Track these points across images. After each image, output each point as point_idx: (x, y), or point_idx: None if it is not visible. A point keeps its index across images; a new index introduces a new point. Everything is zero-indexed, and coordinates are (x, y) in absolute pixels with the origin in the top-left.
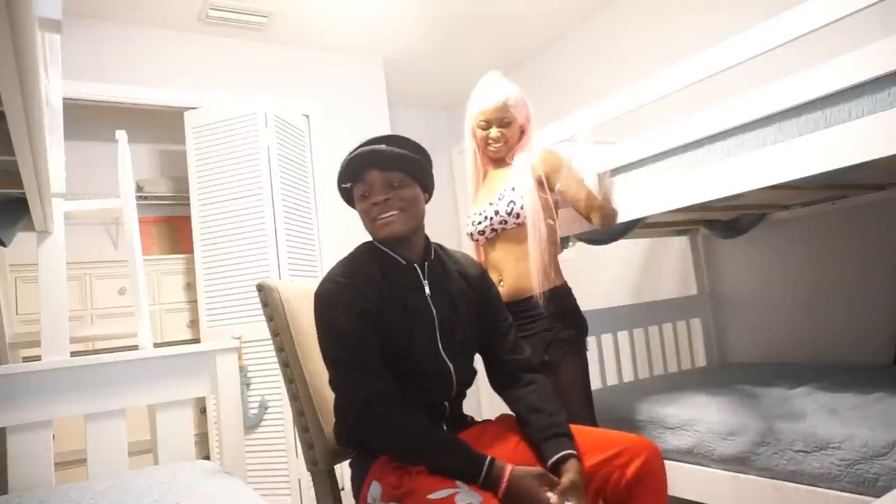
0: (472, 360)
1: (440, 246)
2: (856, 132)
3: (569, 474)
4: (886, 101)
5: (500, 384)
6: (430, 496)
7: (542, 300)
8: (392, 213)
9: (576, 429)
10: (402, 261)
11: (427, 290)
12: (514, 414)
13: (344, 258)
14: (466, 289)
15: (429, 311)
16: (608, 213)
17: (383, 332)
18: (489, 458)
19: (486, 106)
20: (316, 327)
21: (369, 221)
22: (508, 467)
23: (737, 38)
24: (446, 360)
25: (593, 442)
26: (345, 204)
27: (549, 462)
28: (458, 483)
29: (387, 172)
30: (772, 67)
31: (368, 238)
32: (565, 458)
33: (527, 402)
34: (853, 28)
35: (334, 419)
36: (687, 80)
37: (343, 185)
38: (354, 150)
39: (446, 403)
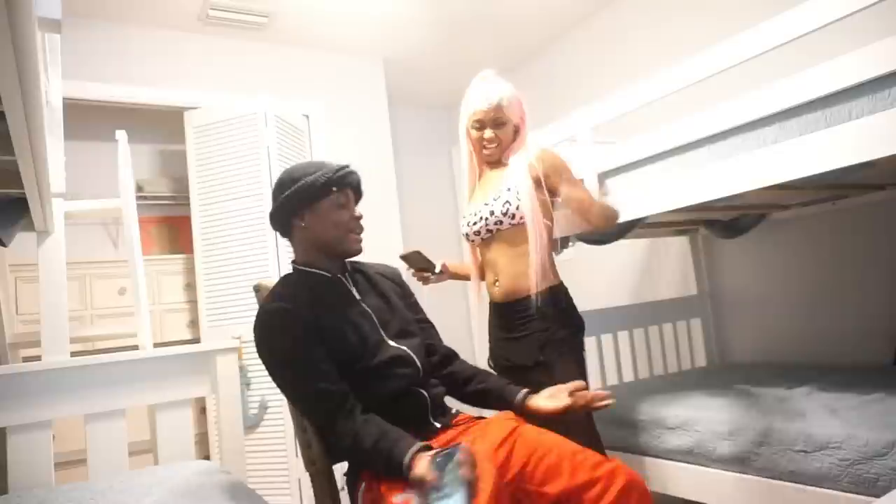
0: (423, 343)
1: (354, 261)
2: (856, 132)
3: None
4: (887, 101)
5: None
6: (395, 499)
7: (538, 300)
8: (362, 233)
9: (551, 439)
10: (327, 274)
11: (357, 296)
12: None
13: (270, 290)
14: (392, 285)
15: (365, 311)
16: (609, 216)
17: (331, 340)
18: (412, 451)
19: (480, 107)
20: (262, 360)
21: (345, 232)
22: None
23: (737, 38)
24: (399, 346)
25: (568, 462)
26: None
27: (517, 399)
28: None
29: (357, 197)
30: (772, 67)
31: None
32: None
33: (461, 373)
34: (853, 28)
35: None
36: (687, 80)
37: (332, 189)
38: (341, 168)
39: (424, 392)
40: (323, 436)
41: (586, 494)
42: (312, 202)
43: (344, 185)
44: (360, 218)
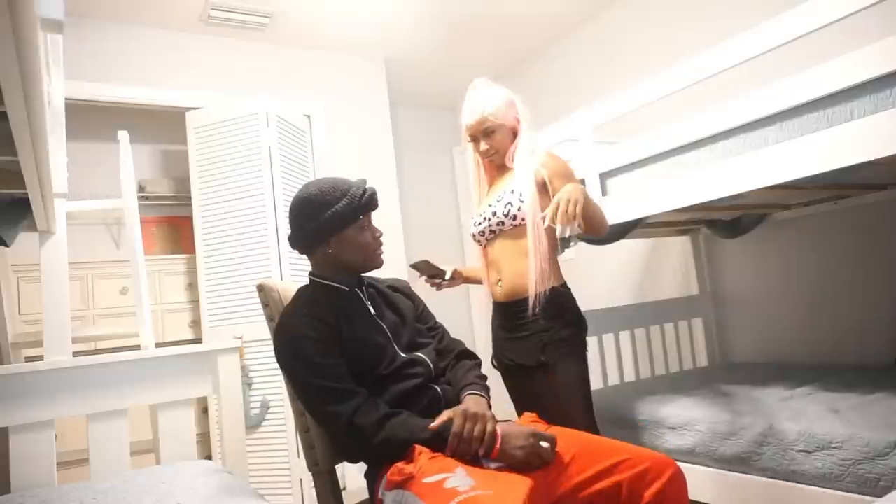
0: (434, 349)
1: (367, 275)
2: (857, 132)
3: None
4: (888, 101)
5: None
6: (425, 480)
7: (540, 300)
8: (382, 248)
9: (592, 438)
10: (345, 288)
11: (372, 310)
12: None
13: (290, 300)
14: (402, 297)
15: (378, 325)
16: (602, 224)
17: (349, 350)
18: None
19: (468, 121)
20: (280, 366)
21: (370, 251)
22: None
23: (737, 38)
24: (411, 355)
25: (609, 449)
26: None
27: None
28: (457, 468)
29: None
30: (772, 67)
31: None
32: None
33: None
34: (853, 28)
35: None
36: (688, 80)
37: (359, 217)
38: (364, 193)
39: (437, 388)
40: (347, 435)
41: (640, 483)
42: (340, 231)
43: (369, 209)
44: (380, 236)
